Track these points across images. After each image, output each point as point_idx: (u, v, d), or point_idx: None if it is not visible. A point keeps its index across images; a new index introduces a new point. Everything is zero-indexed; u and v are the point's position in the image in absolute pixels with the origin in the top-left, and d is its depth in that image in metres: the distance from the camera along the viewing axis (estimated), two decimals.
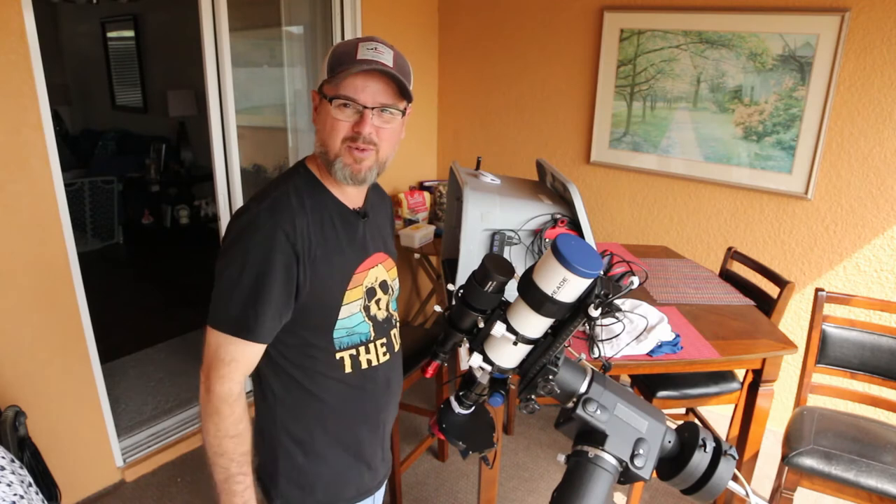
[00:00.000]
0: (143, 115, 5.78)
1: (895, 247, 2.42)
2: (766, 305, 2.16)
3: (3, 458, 1.40)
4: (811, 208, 2.55)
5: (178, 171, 5.37)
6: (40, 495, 1.46)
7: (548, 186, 2.12)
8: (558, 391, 0.86)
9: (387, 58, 1.01)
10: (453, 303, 0.90)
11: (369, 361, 1.14)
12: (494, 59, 3.30)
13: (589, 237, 1.78)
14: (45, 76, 1.97)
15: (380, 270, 1.15)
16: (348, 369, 1.11)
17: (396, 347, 1.21)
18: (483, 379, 0.93)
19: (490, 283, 0.84)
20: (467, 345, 0.90)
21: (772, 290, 2.21)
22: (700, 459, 0.80)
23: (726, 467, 0.79)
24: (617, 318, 0.90)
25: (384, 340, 1.16)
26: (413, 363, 2.26)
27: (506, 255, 1.80)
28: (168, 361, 3.28)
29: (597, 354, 1.58)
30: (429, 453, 2.65)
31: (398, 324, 1.24)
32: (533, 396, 0.86)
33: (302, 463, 1.13)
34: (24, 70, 1.91)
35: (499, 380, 0.92)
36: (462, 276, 1.83)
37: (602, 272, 0.81)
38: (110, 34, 5.81)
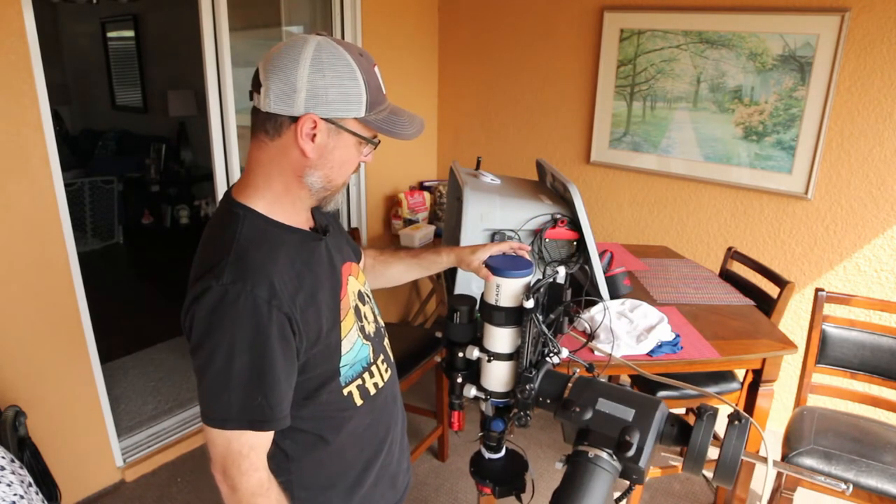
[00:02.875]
0: (143, 115, 5.78)
1: (895, 247, 2.42)
2: (766, 305, 2.16)
3: (3, 458, 1.40)
4: (811, 208, 2.55)
5: (178, 171, 5.37)
6: (40, 495, 1.46)
7: (548, 186, 2.11)
8: (542, 399, 0.88)
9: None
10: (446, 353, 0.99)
11: (376, 385, 1.05)
12: (494, 58, 3.30)
13: (589, 237, 1.78)
14: (45, 76, 1.97)
15: (354, 283, 1.05)
16: (358, 402, 1.01)
17: (392, 357, 1.14)
18: (487, 410, 0.99)
19: (455, 314, 0.94)
20: (459, 380, 0.97)
21: (772, 290, 2.21)
22: (698, 429, 0.79)
23: (703, 426, 0.78)
24: (568, 312, 0.94)
25: (382, 357, 1.08)
26: (413, 363, 2.27)
27: None
28: (168, 361, 3.28)
29: (601, 352, 1.58)
30: (429, 453, 2.65)
31: (383, 326, 1.15)
32: (525, 411, 0.90)
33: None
34: (24, 70, 1.91)
35: (501, 408, 0.98)
36: (462, 276, 1.83)
37: (530, 275, 0.91)
38: (110, 34, 5.81)
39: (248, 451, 0.88)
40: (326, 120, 0.87)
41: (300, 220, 0.97)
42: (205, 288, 0.84)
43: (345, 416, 1.00)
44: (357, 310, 1.03)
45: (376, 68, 0.91)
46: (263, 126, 0.89)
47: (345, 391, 0.99)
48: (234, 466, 0.87)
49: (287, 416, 0.91)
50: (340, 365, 0.97)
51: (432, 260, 1.28)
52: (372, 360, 1.04)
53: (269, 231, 0.91)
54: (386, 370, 1.09)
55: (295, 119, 0.86)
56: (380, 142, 0.94)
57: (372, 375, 1.04)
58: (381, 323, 1.13)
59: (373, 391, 1.04)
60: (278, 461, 0.98)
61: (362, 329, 1.03)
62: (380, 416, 1.07)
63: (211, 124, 2.48)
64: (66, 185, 2.12)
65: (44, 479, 1.73)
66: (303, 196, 0.94)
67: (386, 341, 1.13)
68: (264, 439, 0.90)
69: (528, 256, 1.15)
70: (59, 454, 2.18)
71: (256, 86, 0.88)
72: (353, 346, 0.99)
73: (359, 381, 1.01)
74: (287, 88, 0.84)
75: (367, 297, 1.11)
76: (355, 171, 0.96)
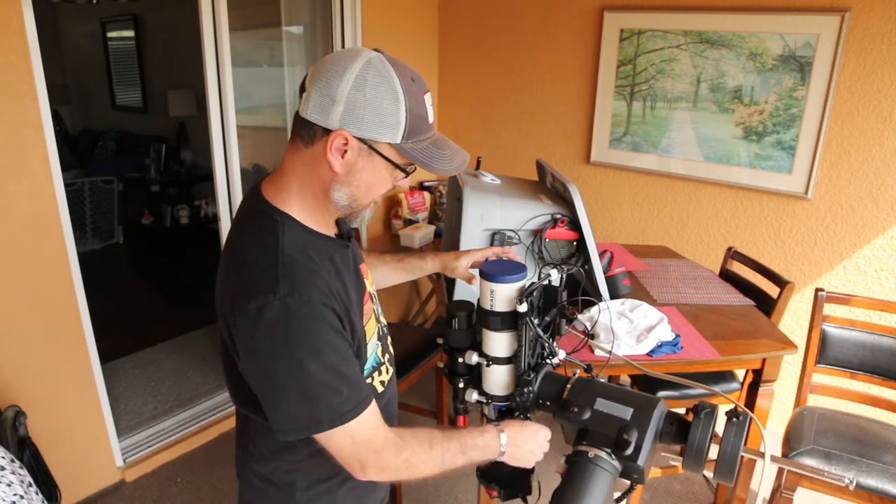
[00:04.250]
0: (143, 115, 5.78)
1: (895, 247, 2.42)
2: (766, 305, 2.16)
3: (3, 458, 1.40)
4: (811, 208, 2.55)
5: (178, 171, 5.37)
6: (40, 495, 1.46)
7: (548, 186, 2.12)
8: (542, 401, 0.89)
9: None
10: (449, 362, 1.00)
11: (382, 383, 1.05)
12: (494, 59, 3.30)
13: (589, 237, 1.78)
14: (45, 76, 1.97)
15: (367, 285, 1.05)
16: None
17: (392, 353, 1.15)
18: (490, 414, 0.99)
19: (454, 319, 0.94)
20: (461, 384, 0.98)
21: (772, 290, 2.21)
22: (696, 427, 0.79)
23: (701, 424, 0.78)
24: (562, 313, 0.95)
25: (388, 356, 1.10)
26: (413, 364, 2.26)
27: None
28: (168, 361, 3.28)
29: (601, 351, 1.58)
30: None
31: (387, 328, 1.16)
32: (525, 414, 0.91)
33: None
34: (24, 70, 1.91)
35: (503, 411, 0.98)
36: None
37: (523, 279, 0.91)
38: (110, 34, 5.81)
39: (368, 431, 0.89)
40: (359, 139, 0.85)
41: (328, 227, 0.97)
42: (263, 304, 0.83)
43: None
44: (375, 311, 1.04)
45: (427, 95, 0.88)
46: (300, 131, 0.88)
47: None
48: (367, 454, 0.89)
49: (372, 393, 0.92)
50: (363, 362, 0.97)
51: (417, 265, 1.30)
52: (381, 360, 1.05)
53: (307, 238, 0.91)
54: (389, 368, 1.09)
55: (328, 131, 0.84)
56: (414, 170, 0.91)
57: (380, 374, 1.04)
58: (384, 322, 1.14)
59: (380, 389, 1.04)
60: (288, 456, 1.00)
61: (378, 332, 1.04)
62: (384, 412, 1.05)
63: (211, 124, 2.48)
64: (66, 185, 2.12)
65: (44, 479, 1.73)
66: (329, 208, 0.93)
67: (388, 340, 1.13)
68: (370, 417, 0.90)
69: (515, 258, 1.15)
70: (59, 454, 2.17)
71: (302, 89, 0.86)
72: (370, 343, 0.99)
73: (369, 380, 1.00)
74: (326, 100, 0.83)
75: (374, 297, 1.11)
76: (388, 192, 0.95)
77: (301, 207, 0.92)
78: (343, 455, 0.89)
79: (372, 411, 0.90)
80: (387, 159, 0.87)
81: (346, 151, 0.85)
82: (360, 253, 1.09)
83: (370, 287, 1.07)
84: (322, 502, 1.04)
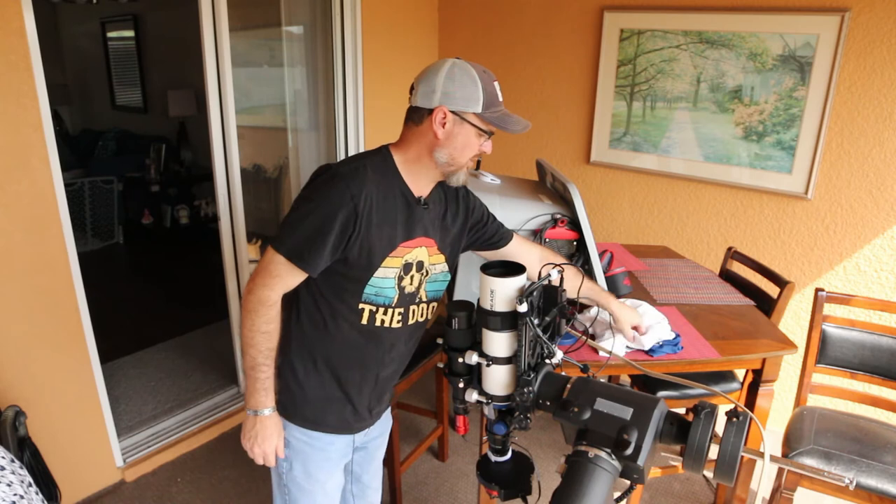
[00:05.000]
0: (143, 115, 5.78)
1: (895, 247, 2.42)
2: (766, 305, 2.16)
3: (3, 458, 1.40)
4: (811, 208, 2.55)
5: (178, 171, 5.36)
6: (40, 495, 1.46)
7: (548, 186, 2.11)
8: (542, 401, 0.88)
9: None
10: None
11: (382, 322, 1.30)
12: (494, 59, 3.30)
13: (589, 237, 1.78)
14: (45, 76, 1.97)
15: (422, 252, 1.31)
16: (364, 321, 1.29)
17: (411, 320, 1.35)
18: (490, 413, 0.99)
19: (454, 320, 1.00)
20: (461, 384, 0.98)
21: (772, 290, 2.21)
22: (696, 427, 0.79)
23: (701, 424, 0.78)
24: (562, 313, 0.94)
25: (402, 310, 1.32)
26: (413, 364, 2.26)
27: None
28: (168, 361, 3.28)
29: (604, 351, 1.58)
30: (429, 453, 2.65)
31: (423, 307, 1.37)
32: (525, 414, 0.91)
33: (293, 387, 1.33)
34: (24, 70, 1.91)
35: (503, 411, 0.98)
36: (462, 277, 1.83)
37: (525, 279, 0.92)
38: (110, 34, 5.81)
39: (276, 275, 1.21)
40: (453, 113, 1.20)
41: (418, 185, 1.29)
42: (329, 167, 1.24)
43: (349, 321, 1.28)
44: (408, 266, 1.29)
45: (496, 83, 1.24)
46: (412, 115, 1.24)
47: (360, 305, 1.27)
48: (261, 278, 1.22)
49: (315, 270, 1.21)
50: (368, 282, 1.24)
51: (597, 299, 1.60)
52: (392, 304, 1.29)
53: (388, 170, 1.26)
54: (398, 322, 1.32)
55: (431, 111, 1.20)
56: (493, 133, 1.24)
57: (385, 314, 1.30)
58: (424, 297, 1.36)
59: (377, 323, 1.30)
60: (290, 325, 1.31)
61: (400, 279, 1.28)
62: (371, 348, 1.33)
63: (211, 124, 2.48)
64: (66, 185, 2.12)
65: (44, 479, 1.73)
66: (430, 166, 1.26)
67: (415, 308, 1.35)
68: (292, 277, 1.22)
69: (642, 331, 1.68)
70: (59, 454, 2.18)
71: (412, 90, 1.24)
72: (385, 279, 1.26)
73: (372, 308, 1.28)
74: (428, 90, 1.20)
75: (427, 271, 1.34)
76: (476, 157, 1.27)
77: (403, 160, 1.27)
78: (260, 263, 1.23)
79: (289, 266, 1.20)
80: (473, 125, 1.21)
81: (445, 123, 1.20)
82: (438, 234, 1.35)
83: (428, 262, 1.33)
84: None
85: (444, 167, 1.26)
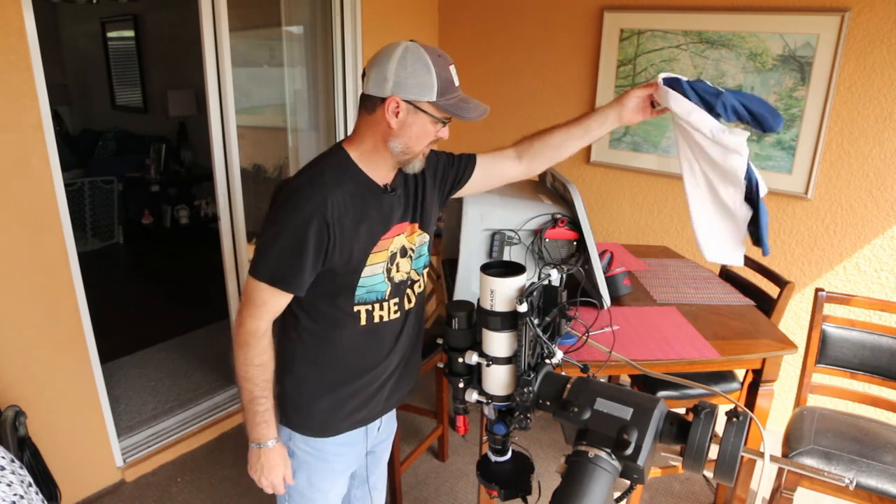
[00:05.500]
0: (143, 115, 5.78)
1: (895, 247, 2.42)
2: (766, 305, 2.16)
3: (3, 458, 1.40)
4: (811, 208, 2.55)
5: (178, 171, 5.36)
6: (40, 495, 1.46)
7: (548, 186, 2.11)
8: (542, 401, 0.88)
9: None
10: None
11: (381, 317, 1.30)
12: (494, 58, 3.30)
13: (589, 237, 1.78)
14: (45, 76, 1.97)
15: (402, 238, 1.31)
16: (363, 322, 1.28)
17: (408, 306, 1.36)
18: (490, 413, 0.99)
19: (453, 320, 1.00)
20: (461, 384, 0.98)
21: (772, 290, 2.21)
22: (696, 427, 0.79)
23: (701, 424, 0.78)
24: (562, 314, 0.94)
25: (397, 300, 1.32)
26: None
27: (506, 256, 1.80)
28: (168, 361, 3.28)
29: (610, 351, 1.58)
30: (429, 453, 2.65)
31: (416, 284, 1.38)
32: (525, 414, 0.91)
33: (299, 400, 1.32)
34: (24, 70, 1.91)
35: (504, 411, 0.98)
36: (462, 277, 1.83)
37: (524, 279, 0.91)
38: (110, 34, 5.81)
39: (261, 304, 1.19)
40: (407, 101, 1.15)
41: (379, 174, 1.25)
42: (288, 182, 1.22)
43: (348, 327, 1.28)
44: (394, 256, 1.28)
45: (452, 67, 1.19)
46: (365, 104, 1.20)
47: (355, 308, 1.26)
48: (247, 310, 1.20)
49: (300, 289, 1.19)
50: (358, 284, 1.24)
51: (597, 122, 1.40)
52: (386, 297, 1.29)
53: (349, 168, 1.23)
54: (395, 312, 1.32)
55: (384, 99, 1.15)
56: (450, 120, 1.21)
57: (381, 308, 1.30)
58: (414, 276, 1.36)
59: (376, 320, 1.29)
60: (291, 340, 1.30)
61: (388, 271, 1.28)
62: (375, 345, 1.32)
63: (211, 124, 2.48)
64: (66, 185, 2.12)
65: (44, 479, 1.73)
66: (386, 156, 1.22)
67: (408, 291, 1.35)
68: (277, 301, 1.20)
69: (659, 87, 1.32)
70: (59, 454, 2.17)
71: (363, 76, 1.19)
72: (373, 276, 1.25)
73: (368, 307, 1.27)
74: (380, 77, 1.15)
75: (412, 253, 1.34)
76: (433, 143, 1.24)
77: (360, 153, 1.24)
78: (244, 294, 1.21)
79: (273, 291, 1.18)
80: (428, 114, 1.17)
81: (398, 112, 1.16)
82: (414, 216, 1.33)
83: (410, 245, 1.33)
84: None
85: (399, 156, 1.22)
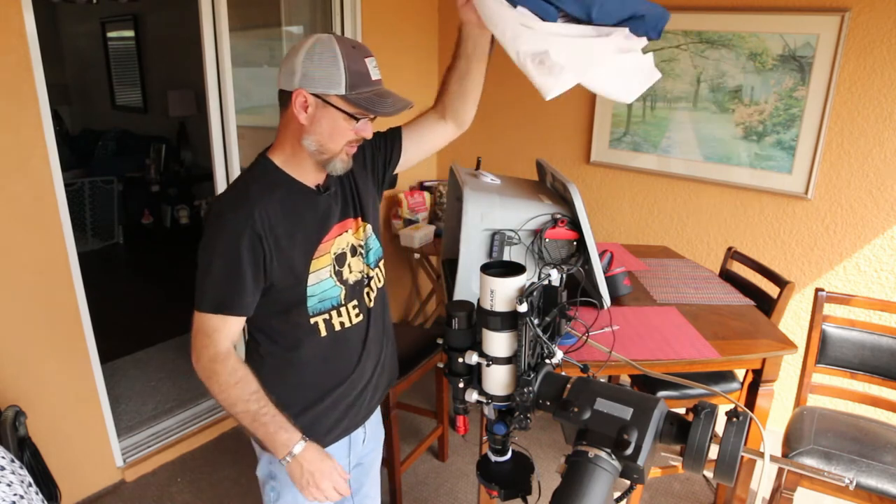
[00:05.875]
0: (143, 115, 5.78)
1: (895, 247, 2.42)
2: (766, 305, 2.16)
3: (3, 458, 1.40)
4: (811, 208, 2.55)
5: (178, 171, 5.37)
6: (40, 495, 1.46)
7: (548, 186, 2.11)
8: (542, 401, 0.88)
9: (380, 72, 1.15)
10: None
11: (342, 324, 1.24)
12: (494, 58, 3.28)
13: (589, 237, 1.78)
14: (45, 76, 1.97)
15: (348, 236, 1.25)
16: (323, 333, 1.22)
17: (369, 304, 1.30)
18: (490, 413, 0.99)
19: (453, 320, 0.99)
20: (461, 384, 0.98)
21: (772, 290, 2.21)
22: (696, 427, 0.79)
23: (701, 424, 0.78)
24: (562, 314, 0.94)
25: (355, 302, 1.26)
26: (413, 363, 2.26)
27: (506, 256, 1.80)
28: (168, 361, 3.28)
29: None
30: (429, 453, 2.65)
31: (373, 280, 1.31)
32: (525, 414, 0.91)
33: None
34: (25, 70, 1.91)
35: (504, 411, 0.98)
36: (462, 277, 1.83)
37: (524, 279, 0.91)
38: (110, 34, 5.81)
39: (211, 332, 1.13)
40: (315, 95, 1.09)
41: (308, 177, 1.19)
42: (211, 205, 1.17)
43: (309, 341, 1.21)
44: (342, 257, 1.22)
45: (369, 59, 1.12)
46: (280, 99, 1.15)
47: (312, 321, 1.20)
48: (199, 342, 1.14)
49: (247, 309, 1.14)
50: (308, 294, 1.18)
51: (466, 47, 1.35)
52: (342, 302, 1.23)
53: (275, 176, 1.17)
54: (357, 315, 1.27)
55: (292, 94, 1.10)
56: (365, 116, 1.12)
57: (340, 315, 1.23)
58: (370, 272, 1.30)
59: (338, 328, 1.24)
60: (256, 363, 1.22)
61: (339, 273, 1.22)
62: (343, 354, 1.27)
63: (211, 124, 2.48)
64: (66, 185, 2.12)
65: (44, 479, 1.73)
66: (305, 156, 1.16)
67: (367, 291, 1.29)
68: (228, 325, 1.14)
69: None
70: (59, 454, 2.18)
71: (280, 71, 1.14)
72: (322, 283, 1.19)
73: (326, 316, 1.21)
74: (288, 71, 1.10)
75: (363, 250, 1.28)
76: (355, 142, 1.16)
77: (283, 157, 1.18)
78: (193, 331, 1.16)
79: (220, 318, 1.13)
80: (338, 109, 1.10)
81: (307, 107, 1.10)
82: (355, 210, 1.27)
83: (358, 242, 1.27)
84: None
85: (315, 155, 1.15)
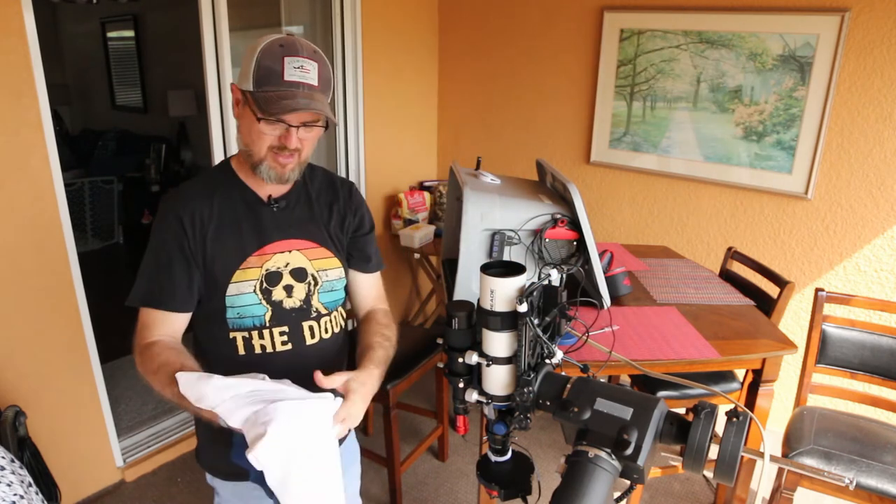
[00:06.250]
0: (143, 115, 5.78)
1: (895, 247, 2.42)
2: (766, 305, 2.16)
3: (3, 458, 1.40)
4: (811, 208, 2.55)
5: (178, 171, 5.36)
6: (40, 495, 1.46)
7: (548, 186, 2.11)
8: (542, 401, 0.88)
9: (312, 76, 1.05)
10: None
11: (263, 347, 1.16)
12: (494, 58, 3.30)
13: (589, 237, 1.78)
14: (45, 76, 1.97)
15: (295, 257, 1.17)
16: (241, 351, 1.15)
17: (310, 341, 1.19)
18: (490, 413, 0.99)
19: (454, 320, 0.98)
20: (461, 384, 0.98)
21: (772, 290, 2.21)
22: (696, 427, 0.79)
23: (701, 424, 0.78)
24: (562, 313, 0.94)
25: (285, 329, 1.16)
26: (413, 364, 2.27)
27: (506, 256, 1.80)
28: None
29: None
30: (429, 453, 2.65)
31: (325, 319, 1.21)
32: (525, 414, 0.91)
33: (202, 439, 1.24)
34: (24, 70, 1.91)
35: (503, 411, 0.98)
36: (462, 277, 1.83)
37: (524, 279, 0.91)
38: (110, 34, 5.81)
39: (142, 327, 1.11)
40: (239, 89, 1.07)
41: (263, 185, 1.15)
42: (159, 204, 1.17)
43: (227, 356, 1.15)
44: (275, 276, 1.15)
45: (291, 59, 1.04)
46: None
47: (231, 334, 1.15)
48: (136, 336, 1.11)
49: (177, 304, 1.11)
50: (226, 302, 1.13)
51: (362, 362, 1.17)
52: (266, 324, 1.15)
53: (225, 178, 1.16)
54: (284, 343, 1.17)
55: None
56: (266, 118, 1.04)
57: (262, 337, 1.16)
58: (322, 313, 1.20)
59: (258, 350, 1.16)
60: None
61: (267, 292, 1.14)
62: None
63: (211, 124, 2.48)
64: (66, 185, 2.12)
65: (44, 479, 1.73)
66: (251, 165, 1.11)
67: (310, 324, 1.19)
68: (160, 320, 1.11)
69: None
70: (59, 454, 2.18)
71: None
72: (242, 296, 1.13)
73: (245, 334, 1.15)
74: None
75: (315, 280, 1.19)
76: (281, 152, 1.08)
77: (238, 162, 1.17)
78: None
79: (151, 312, 1.11)
80: (246, 105, 1.06)
81: (238, 101, 1.09)
82: (314, 234, 1.20)
83: (307, 267, 1.18)
84: None
85: (246, 157, 1.11)
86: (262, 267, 1.14)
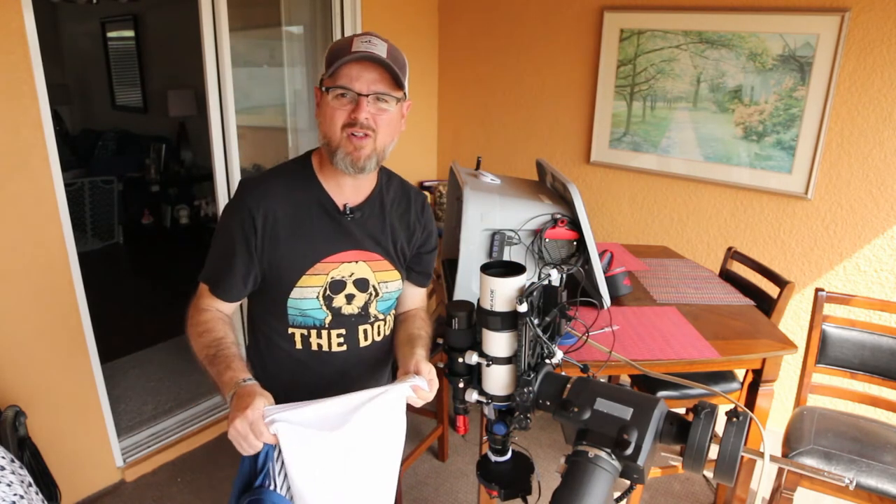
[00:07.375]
0: (143, 115, 5.78)
1: (895, 247, 2.42)
2: (766, 305, 2.16)
3: (3, 458, 1.40)
4: (811, 208, 2.55)
5: (178, 171, 5.36)
6: (40, 495, 1.46)
7: (548, 186, 2.11)
8: (542, 401, 0.89)
9: (381, 49, 1.07)
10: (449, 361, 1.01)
11: (320, 346, 1.21)
12: (494, 59, 3.30)
13: (589, 237, 1.78)
14: (45, 76, 1.97)
15: (360, 268, 1.19)
16: (298, 346, 1.20)
17: (363, 343, 1.24)
18: (490, 413, 0.99)
19: (454, 320, 0.99)
20: (461, 384, 0.98)
21: (772, 290, 2.21)
22: (696, 427, 0.79)
23: (701, 424, 0.78)
24: (562, 314, 0.94)
25: (342, 332, 1.21)
26: None
27: (506, 256, 1.80)
28: (168, 361, 3.28)
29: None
30: (429, 453, 2.65)
31: (381, 324, 1.26)
32: (525, 414, 0.91)
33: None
34: (24, 70, 1.91)
35: (504, 411, 0.98)
36: (462, 277, 1.83)
37: (524, 279, 0.91)
38: (110, 34, 5.81)
39: (199, 295, 1.19)
40: (318, 88, 1.11)
41: (340, 192, 1.17)
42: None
43: (284, 348, 1.20)
44: (339, 284, 1.17)
45: (365, 36, 1.07)
46: None
47: (290, 330, 1.19)
48: (193, 308, 1.17)
49: (235, 296, 1.16)
50: (288, 304, 1.16)
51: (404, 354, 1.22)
52: (326, 325, 1.19)
53: (305, 178, 1.16)
54: (340, 344, 1.22)
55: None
56: (337, 88, 1.07)
57: (320, 336, 1.20)
58: (379, 318, 1.24)
59: (314, 348, 1.20)
60: (252, 355, 1.26)
61: (329, 298, 1.17)
62: (315, 373, 1.22)
63: (211, 124, 2.48)
64: (66, 185, 2.12)
65: (44, 479, 1.73)
66: (329, 156, 1.11)
67: (365, 328, 1.24)
68: (217, 306, 1.17)
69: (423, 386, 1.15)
70: (59, 454, 2.17)
71: None
72: (305, 299, 1.16)
73: (304, 332, 1.19)
74: None
75: (375, 291, 1.22)
76: (350, 126, 1.08)
77: (320, 161, 1.17)
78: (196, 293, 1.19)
79: (223, 305, 1.17)
80: (322, 88, 1.09)
81: (319, 102, 1.11)
82: (382, 249, 1.21)
83: (371, 279, 1.20)
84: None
85: (326, 150, 1.12)
86: (327, 275, 1.16)
